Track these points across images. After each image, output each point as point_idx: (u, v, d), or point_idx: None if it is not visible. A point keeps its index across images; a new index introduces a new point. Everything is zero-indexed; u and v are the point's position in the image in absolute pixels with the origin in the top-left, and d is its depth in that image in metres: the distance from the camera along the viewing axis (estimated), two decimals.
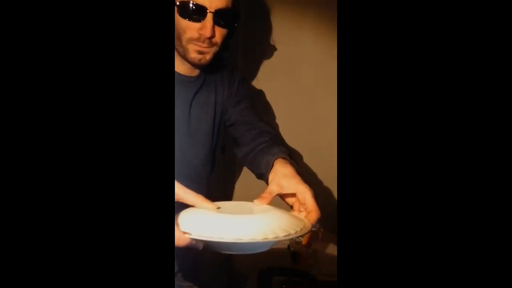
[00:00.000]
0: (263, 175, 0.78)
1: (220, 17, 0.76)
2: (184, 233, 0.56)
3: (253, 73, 1.49)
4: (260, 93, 1.50)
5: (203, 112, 0.93)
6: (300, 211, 0.71)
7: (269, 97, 1.51)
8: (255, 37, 1.43)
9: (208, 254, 1.38)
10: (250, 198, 0.69)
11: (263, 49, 1.45)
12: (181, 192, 0.61)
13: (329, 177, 1.41)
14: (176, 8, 0.75)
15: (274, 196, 0.68)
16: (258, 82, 1.49)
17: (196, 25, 0.75)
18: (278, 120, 1.52)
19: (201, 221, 0.58)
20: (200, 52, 0.79)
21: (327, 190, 1.34)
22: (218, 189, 0.70)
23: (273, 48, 1.46)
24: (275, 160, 0.76)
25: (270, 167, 0.75)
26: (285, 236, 0.59)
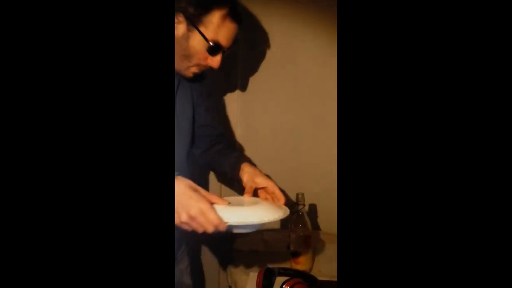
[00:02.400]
0: (226, 173, 0.99)
1: (226, 52, 0.89)
2: (221, 221, 0.75)
3: (253, 72, 1.49)
4: (260, 92, 1.51)
5: (184, 111, 0.98)
6: (266, 198, 0.93)
7: (269, 96, 1.51)
8: (255, 36, 1.43)
9: (209, 254, 1.38)
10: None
11: (263, 48, 1.45)
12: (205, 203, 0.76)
13: (329, 177, 1.40)
14: (205, 41, 0.85)
15: (253, 190, 0.93)
16: (259, 81, 1.49)
17: (209, 56, 0.87)
18: (278, 119, 1.52)
19: (229, 212, 0.78)
20: (195, 72, 0.91)
21: (327, 190, 1.34)
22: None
23: (273, 48, 1.46)
24: (240, 164, 0.97)
25: (238, 169, 0.97)
26: (280, 217, 0.84)
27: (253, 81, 1.43)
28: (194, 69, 0.90)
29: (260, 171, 0.95)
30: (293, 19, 1.45)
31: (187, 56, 0.87)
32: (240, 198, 0.91)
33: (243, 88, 1.50)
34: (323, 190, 1.43)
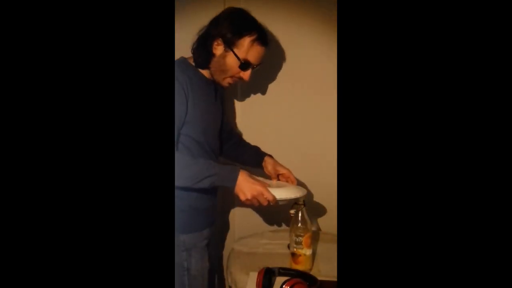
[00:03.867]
0: (245, 161, 1.31)
1: (254, 68, 1.17)
2: (274, 197, 1.07)
3: (255, 73, 1.49)
4: (261, 92, 1.51)
5: (221, 109, 1.26)
6: (285, 180, 1.26)
7: (269, 96, 1.51)
8: None
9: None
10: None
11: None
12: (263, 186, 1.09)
13: (329, 177, 1.41)
14: (237, 59, 1.13)
15: (276, 175, 1.27)
16: (259, 80, 1.49)
17: (241, 71, 1.15)
18: (278, 120, 1.52)
19: (274, 191, 1.09)
20: (230, 83, 1.19)
21: (327, 190, 1.34)
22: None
23: (274, 48, 1.46)
24: (264, 156, 1.31)
25: (258, 159, 1.30)
26: (305, 193, 1.17)
27: (253, 80, 1.43)
28: (229, 80, 1.17)
29: (278, 161, 1.29)
30: (293, 19, 1.45)
31: (223, 71, 1.14)
32: (268, 181, 1.22)
33: (244, 87, 1.50)
34: (323, 190, 1.43)
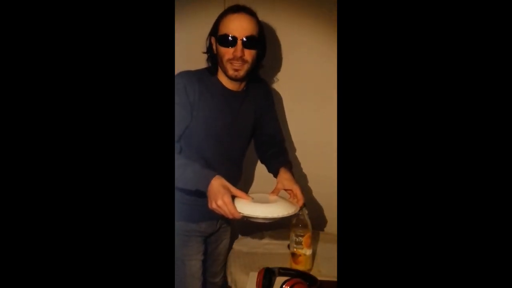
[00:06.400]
0: (271, 171, 1.27)
1: (247, 42, 1.11)
2: (239, 212, 1.01)
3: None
4: None
5: (246, 120, 1.23)
6: (292, 197, 1.16)
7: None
8: None
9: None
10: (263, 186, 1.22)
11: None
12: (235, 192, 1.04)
13: (329, 178, 1.41)
14: (217, 39, 1.12)
15: (280, 190, 1.18)
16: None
17: (231, 49, 1.11)
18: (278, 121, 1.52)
19: (247, 206, 1.03)
20: (235, 70, 1.13)
21: (327, 191, 1.34)
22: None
23: (275, 49, 1.46)
24: (280, 167, 1.22)
25: (277, 171, 1.22)
26: (286, 214, 1.04)
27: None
28: (230, 66, 1.12)
29: (292, 176, 1.20)
30: (293, 19, 1.45)
31: (221, 59, 1.13)
32: (265, 195, 1.14)
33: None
34: (323, 190, 1.43)
